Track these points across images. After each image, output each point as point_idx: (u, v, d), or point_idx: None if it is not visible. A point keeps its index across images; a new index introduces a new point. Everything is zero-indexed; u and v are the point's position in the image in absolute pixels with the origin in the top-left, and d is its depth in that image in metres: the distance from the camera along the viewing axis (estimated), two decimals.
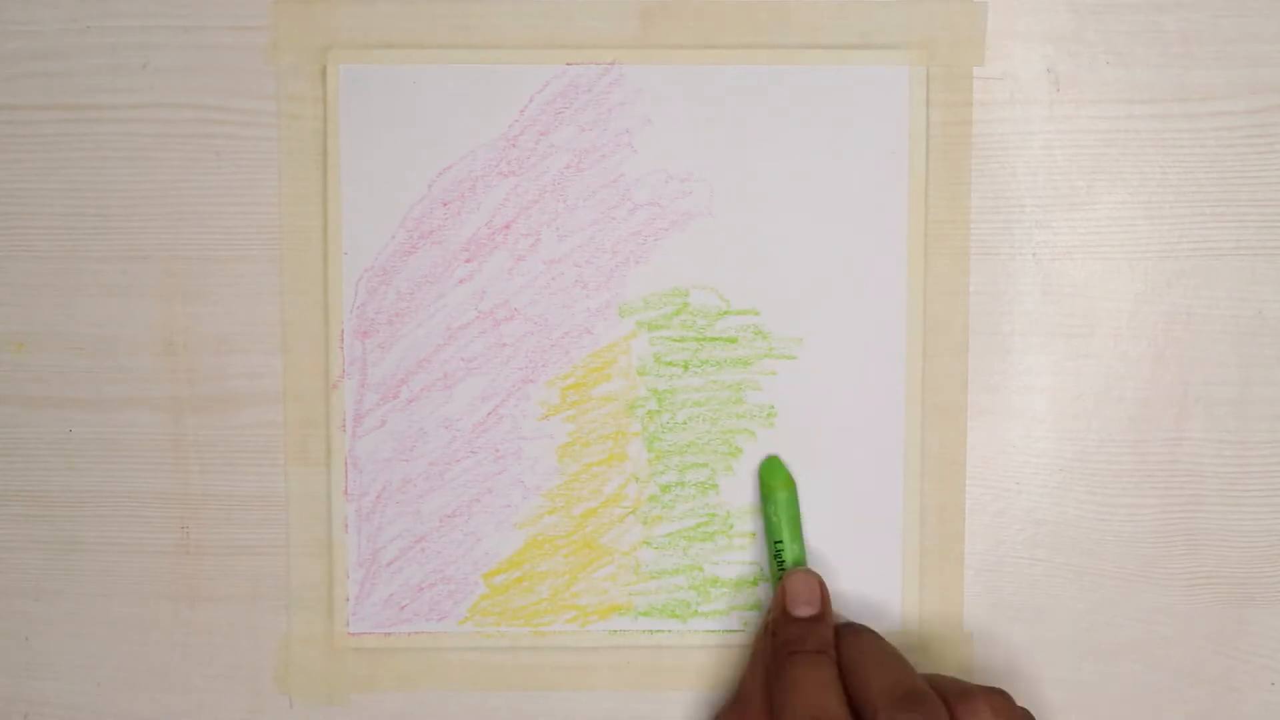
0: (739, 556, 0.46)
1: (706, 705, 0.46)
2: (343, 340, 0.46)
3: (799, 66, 0.45)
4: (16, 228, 0.46)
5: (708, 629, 0.46)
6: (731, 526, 0.46)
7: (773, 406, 0.46)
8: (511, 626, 0.46)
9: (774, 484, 0.45)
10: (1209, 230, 0.46)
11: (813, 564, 0.45)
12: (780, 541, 0.44)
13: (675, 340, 0.46)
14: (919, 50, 0.45)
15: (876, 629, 0.44)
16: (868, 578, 0.46)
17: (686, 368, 0.46)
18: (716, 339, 0.46)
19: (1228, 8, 0.45)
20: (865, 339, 0.45)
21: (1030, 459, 0.46)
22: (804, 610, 0.43)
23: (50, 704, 0.47)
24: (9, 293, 0.46)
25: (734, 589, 0.46)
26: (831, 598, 0.44)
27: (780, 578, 0.44)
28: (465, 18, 0.45)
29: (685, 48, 0.45)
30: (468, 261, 0.46)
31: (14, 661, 0.47)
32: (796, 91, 0.45)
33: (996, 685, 0.46)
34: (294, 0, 0.45)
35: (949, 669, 0.46)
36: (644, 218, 0.46)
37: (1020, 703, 0.46)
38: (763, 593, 0.46)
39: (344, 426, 0.46)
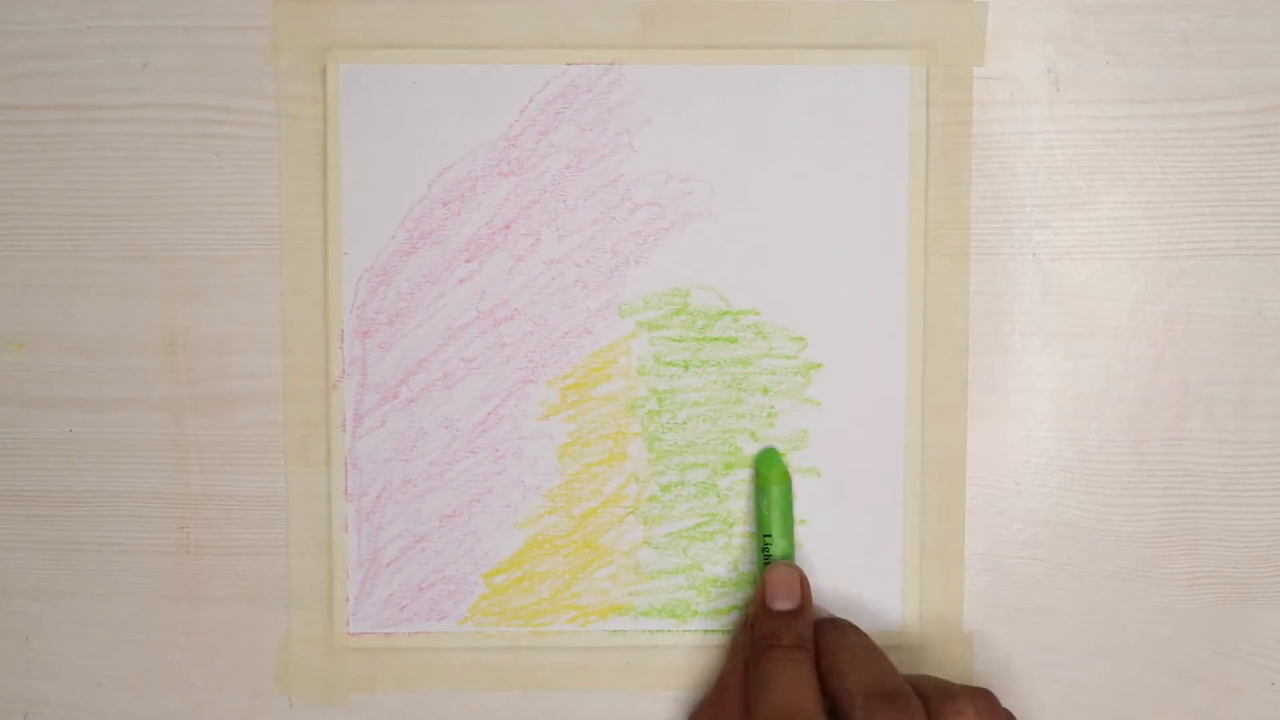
0: (739, 557, 0.46)
1: (688, 702, 0.46)
2: (343, 340, 0.46)
3: (799, 66, 0.45)
4: (16, 228, 0.46)
5: (708, 629, 0.46)
6: (731, 526, 0.46)
7: (773, 407, 0.46)
8: (511, 626, 0.46)
9: (769, 476, 0.45)
10: (1209, 230, 0.46)
11: (813, 563, 0.45)
12: (769, 535, 0.44)
13: (675, 340, 0.46)
14: (919, 50, 0.45)
15: (876, 629, 0.44)
16: (868, 578, 0.46)
17: (686, 368, 0.46)
18: (716, 339, 0.46)
19: (1228, 8, 0.45)
20: (865, 339, 0.45)
21: (1030, 459, 0.46)
22: (782, 604, 0.42)
23: (50, 704, 0.47)
24: (9, 293, 0.46)
25: (734, 589, 0.46)
26: (817, 594, 0.44)
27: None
28: (465, 18, 0.45)
29: (685, 48, 0.45)
30: (468, 261, 0.46)
31: (14, 661, 0.47)
32: (796, 91, 0.45)
33: (997, 685, 0.46)
34: (294, 0, 0.45)
35: (949, 669, 0.46)
36: (644, 218, 0.46)
37: (1020, 703, 0.46)
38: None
39: (344, 426, 0.46)
